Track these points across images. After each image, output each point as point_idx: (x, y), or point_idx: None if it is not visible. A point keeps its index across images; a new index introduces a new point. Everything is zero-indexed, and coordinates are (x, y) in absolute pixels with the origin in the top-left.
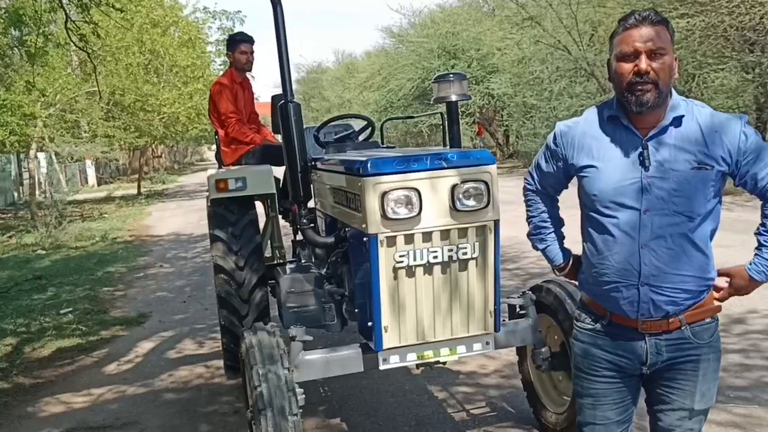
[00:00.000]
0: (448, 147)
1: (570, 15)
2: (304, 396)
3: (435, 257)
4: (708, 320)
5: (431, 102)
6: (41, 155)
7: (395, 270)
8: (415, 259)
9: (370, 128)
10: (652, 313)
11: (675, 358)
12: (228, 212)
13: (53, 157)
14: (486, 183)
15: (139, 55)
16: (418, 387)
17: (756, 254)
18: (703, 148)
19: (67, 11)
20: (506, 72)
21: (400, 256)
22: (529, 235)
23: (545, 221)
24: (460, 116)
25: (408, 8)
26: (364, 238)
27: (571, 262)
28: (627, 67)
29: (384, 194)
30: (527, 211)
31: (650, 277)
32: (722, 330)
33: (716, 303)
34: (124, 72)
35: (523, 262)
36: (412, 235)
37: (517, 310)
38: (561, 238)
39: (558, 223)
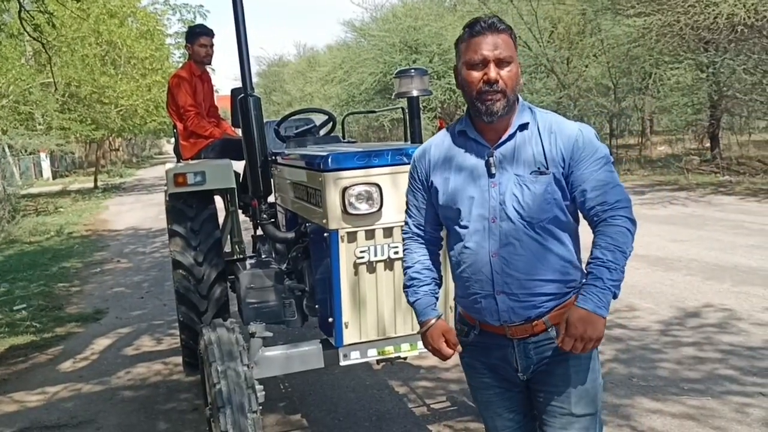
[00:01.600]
0: (409, 142)
1: (530, 11)
2: (264, 393)
3: (396, 253)
4: None
5: (393, 97)
6: None
7: (356, 266)
8: (375, 255)
9: (331, 123)
10: (513, 319)
11: (543, 361)
12: (187, 207)
13: (6, 149)
14: None
15: (95, 46)
16: (379, 382)
17: (583, 285)
18: (542, 152)
19: (21, 0)
20: None
21: (361, 252)
22: (403, 287)
23: (419, 272)
24: (421, 111)
25: (370, 2)
26: (325, 234)
27: (434, 323)
28: (476, 75)
29: (345, 190)
30: (403, 260)
31: (504, 285)
32: (677, 323)
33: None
34: (80, 63)
35: None
36: (373, 230)
37: None
38: (434, 292)
39: (431, 274)
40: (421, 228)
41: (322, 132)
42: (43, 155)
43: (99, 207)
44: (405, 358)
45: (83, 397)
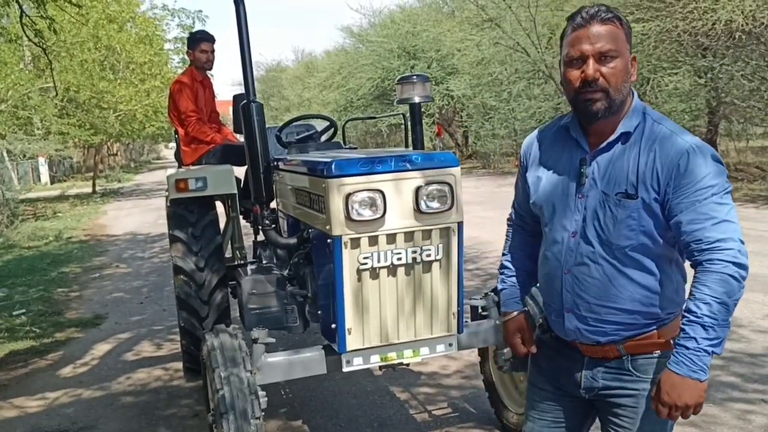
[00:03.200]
0: (410, 148)
1: (528, 18)
2: (266, 399)
3: (399, 259)
4: (655, 353)
5: (395, 103)
6: None
7: (359, 272)
8: (379, 261)
9: (332, 129)
10: (581, 339)
11: (612, 389)
12: (188, 212)
13: (5, 154)
14: (450, 185)
15: (94, 51)
16: (380, 388)
17: (676, 344)
18: (636, 171)
19: (22, 6)
20: (466, 73)
21: (364, 258)
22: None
23: (510, 262)
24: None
25: (368, 8)
26: (328, 240)
27: (514, 317)
28: (575, 73)
29: (348, 196)
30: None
31: (573, 305)
32: None
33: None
34: (79, 68)
35: (483, 262)
36: (376, 236)
37: (480, 311)
38: (523, 284)
39: (525, 265)
40: (522, 217)
41: (323, 138)
42: (41, 160)
43: (97, 212)
44: (408, 365)
45: (84, 402)
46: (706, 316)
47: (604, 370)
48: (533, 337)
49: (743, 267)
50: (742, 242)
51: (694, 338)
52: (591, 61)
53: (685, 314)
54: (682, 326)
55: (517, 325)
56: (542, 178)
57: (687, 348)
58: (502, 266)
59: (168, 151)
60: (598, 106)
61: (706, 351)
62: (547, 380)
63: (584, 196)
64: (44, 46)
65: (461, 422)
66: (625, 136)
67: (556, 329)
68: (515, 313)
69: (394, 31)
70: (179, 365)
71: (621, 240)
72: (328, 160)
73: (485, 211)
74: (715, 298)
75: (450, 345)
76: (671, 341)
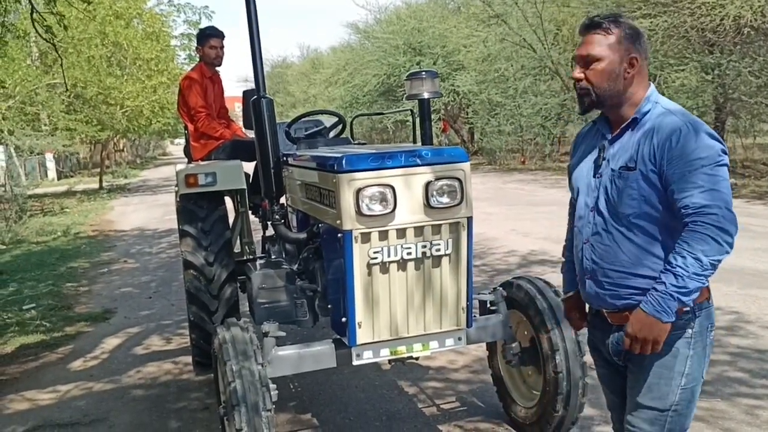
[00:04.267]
0: (419, 144)
1: (535, 14)
2: (277, 392)
3: (409, 253)
4: None
5: (404, 99)
6: (0, 148)
7: (369, 266)
8: (389, 256)
9: (341, 125)
10: (601, 305)
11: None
12: (198, 207)
13: (12, 150)
14: (459, 180)
15: (101, 47)
16: (388, 382)
17: (651, 288)
18: (636, 149)
19: (33, 2)
20: (472, 69)
21: (374, 253)
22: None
23: (567, 241)
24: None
25: (374, 4)
26: (339, 234)
27: (570, 295)
28: (574, 74)
29: (359, 191)
30: None
31: (591, 272)
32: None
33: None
34: (86, 64)
35: (490, 258)
36: (387, 231)
37: (488, 305)
38: None
39: None
40: (573, 204)
41: (332, 134)
42: (48, 156)
43: (104, 207)
44: (417, 358)
45: (95, 395)
46: (679, 267)
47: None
48: (584, 315)
49: (725, 231)
50: (730, 210)
51: (664, 283)
52: (577, 66)
53: (665, 264)
54: (660, 273)
55: (574, 304)
56: (576, 163)
57: (656, 290)
58: (564, 247)
59: (174, 147)
60: (584, 101)
61: (671, 296)
62: (597, 356)
63: (600, 176)
64: (54, 42)
65: (469, 416)
66: (633, 122)
67: (583, 297)
68: (572, 293)
69: (399, 28)
70: (189, 359)
71: (626, 208)
72: (339, 155)
73: (491, 207)
74: (691, 253)
75: (459, 339)
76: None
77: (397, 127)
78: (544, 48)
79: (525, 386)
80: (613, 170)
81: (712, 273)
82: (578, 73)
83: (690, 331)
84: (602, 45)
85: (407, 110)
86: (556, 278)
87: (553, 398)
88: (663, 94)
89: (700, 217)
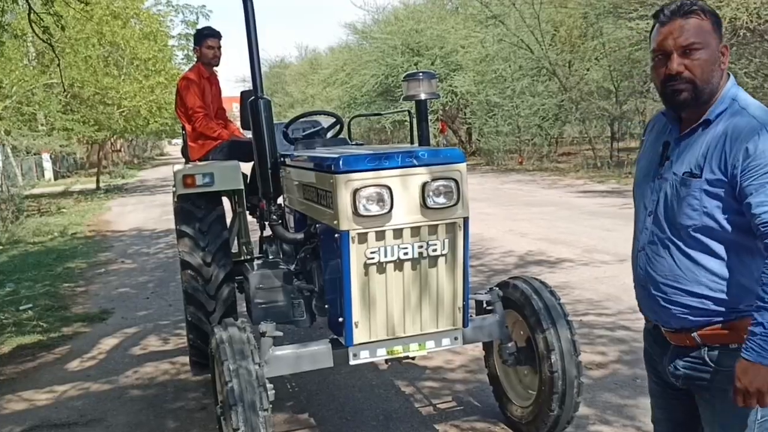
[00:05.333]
0: (416, 144)
1: (533, 14)
2: (274, 391)
3: (405, 254)
4: (733, 346)
5: (401, 100)
6: None
7: (366, 266)
8: (386, 256)
9: (338, 125)
10: (654, 318)
11: (691, 378)
12: (195, 208)
13: (9, 150)
14: (456, 181)
15: (98, 47)
16: (385, 382)
17: (748, 330)
18: (705, 153)
19: (31, 2)
20: (469, 70)
21: (371, 253)
22: None
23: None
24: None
25: (372, 4)
26: (336, 235)
27: None
28: (660, 69)
29: (356, 191)
30: None
31: (645, 281)
32: None
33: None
34: (84, 64)
35: (487, 258)
36: (384, 231)
37: (485, 305)
38: None
39: None
40: None
41: (330, 134)
42: (45, 156)
43: (102, 208)
44: (413, 358)
45: (92, 395)
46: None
47: (685, 358)
48: None
49: None
50: None
51: (762, 323)
52: (674, 56)
53: (756, 300)
54: (753, 312)
55: None
56: (641, 161)
57: (755, 334)
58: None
59: (171, 148)
60: (684, 96)
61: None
62: (651, 369)
63: (661, 178)
64: (51, 42)
65: (466, 416)
66: (706, 123)
67: (639, 307)
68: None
69: (397, 28)
70: (186, 359)
71: (684, 219)
72: (336, 155)
73: (489, 208)
74: None
75: (455, 339)
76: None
77: (395, 128)
78: (542, 49)
79: (521, 386)
80: (675, 174)
81: None
82: (676, 65)
83: None
84: (703, 31)
85: (404, 111)
86: (552, 278)
87: (549, 398)
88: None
89: None
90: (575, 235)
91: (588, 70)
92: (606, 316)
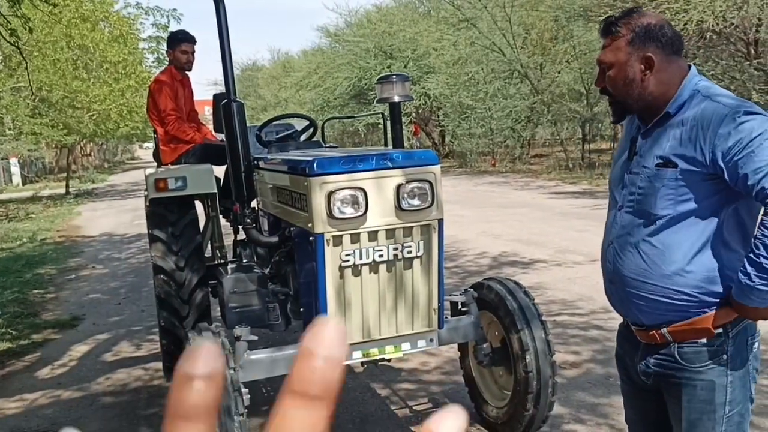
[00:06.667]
0: (390, 147)
1: (504, 18)
2: (249, 396)
3: (380, 256)
4: (702, 341)
5: (374, 103)
6: None
7: (341, 269)
8: (361, 258)
9: (312, 128)
10: (624, 312)
11: (661, 376)
12: (168, 212)
13: None
14: (430, 183)
15: (67, 50)
16: (361, 385)
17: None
18: (675, 143)
19: None
20: (442, 72)
21: (346, 255)
22: None
23: None
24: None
25: (344, 7)
26: (310, 238)
27: None
28: (597, 83)
29: (330, 194)
30: None
31: (613, 276)
32: None
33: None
34: (52, 67)
35: (462, 260)
36: (358, 234)
37: (459, 307)
38: None
39: None
40: None
41: (303, 137)
42: (13, 161)
43: (71, 213)
44: (389, 360)
45: (63, 403)
46: (763, 256)
47: (655, 356)
48: None
49: None
50: None
51: (749, 274)
52: (599, 73)
53: (747, 254)
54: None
55: None
56: (616, 154)
57: (740, 282)
58: None
59: (142, 152)
60: (615, 107)
61: (759, 289)
62: (622, 368)
63: (631, 173)
64: (18, 45)
65: None
66: (666, 116)
67: (609, 301)
68: None
69: (370, 31)
70: (159, 365)
71: (657, 210)
72: (310, 158)
73: (463, 210)
74: None
75: (431, 340)
76: (713, 329)
77: (369, 131)
78: (514, 51)
79: (496, 386)
80: (645, 167)
81: None
82: (600, 82)
83: (725, 356)
84: (613, 50)
85: (378, 113)
86: (526, 279)
87: (524, 397)
88: None
89: None
90: (548, 236)
91: (559, 72)
92: (579, 315)
